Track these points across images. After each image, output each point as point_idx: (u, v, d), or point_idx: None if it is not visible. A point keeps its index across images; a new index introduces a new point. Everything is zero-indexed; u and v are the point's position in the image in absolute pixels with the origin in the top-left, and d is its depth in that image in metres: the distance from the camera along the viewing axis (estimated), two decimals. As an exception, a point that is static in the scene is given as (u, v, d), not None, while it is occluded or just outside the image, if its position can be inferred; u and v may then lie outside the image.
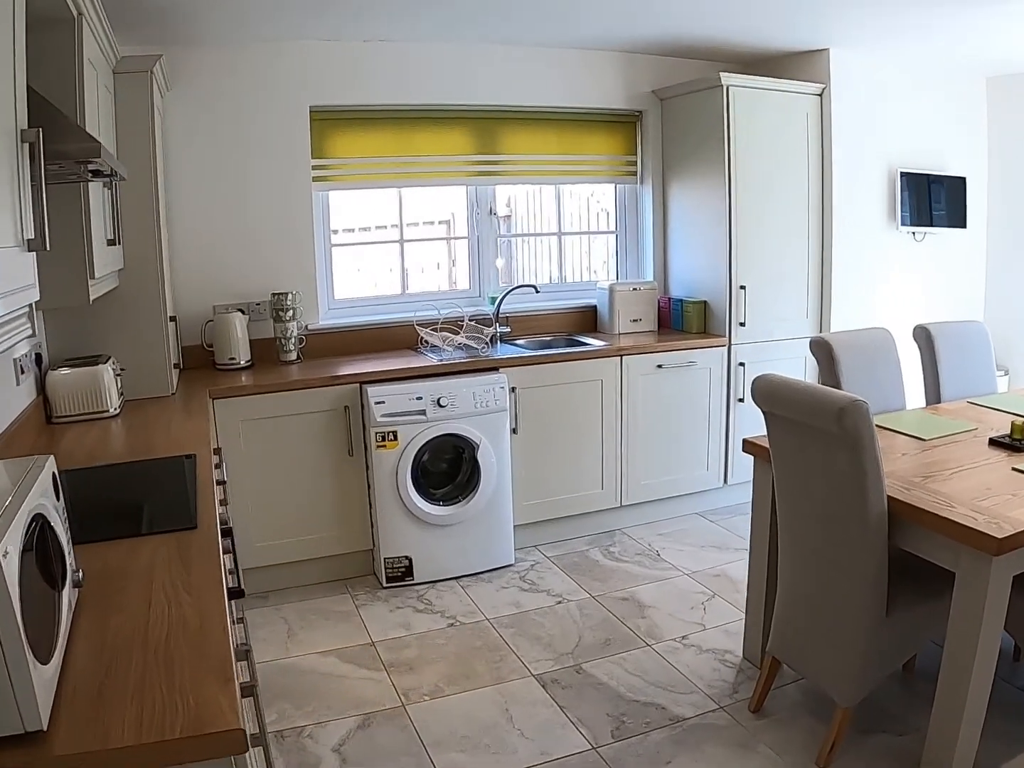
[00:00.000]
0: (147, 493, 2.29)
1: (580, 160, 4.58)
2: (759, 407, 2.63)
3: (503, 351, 4.17)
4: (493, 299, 4.41)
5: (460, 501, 3.79)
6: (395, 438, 3.65)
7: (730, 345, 4.34)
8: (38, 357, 2.96)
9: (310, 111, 4.01)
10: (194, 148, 3.85)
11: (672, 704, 2.83)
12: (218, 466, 2.91)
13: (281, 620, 3.49)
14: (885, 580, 2.36)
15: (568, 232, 4.84)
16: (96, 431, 2.86)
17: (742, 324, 4.33)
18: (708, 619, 3.38)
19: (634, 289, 4.50)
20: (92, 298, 2.45)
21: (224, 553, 2.18)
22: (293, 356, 3.99)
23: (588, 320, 4.66)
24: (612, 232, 4.86)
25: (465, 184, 4.44)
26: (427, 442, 3.69)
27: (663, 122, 4.67)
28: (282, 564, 3.69)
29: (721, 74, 4.14)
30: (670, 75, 4.58)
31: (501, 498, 3.87)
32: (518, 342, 4.39)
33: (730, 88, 4.17)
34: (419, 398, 3.66)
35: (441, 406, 3.68)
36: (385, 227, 4.45)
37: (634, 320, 4.50)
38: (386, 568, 3.74)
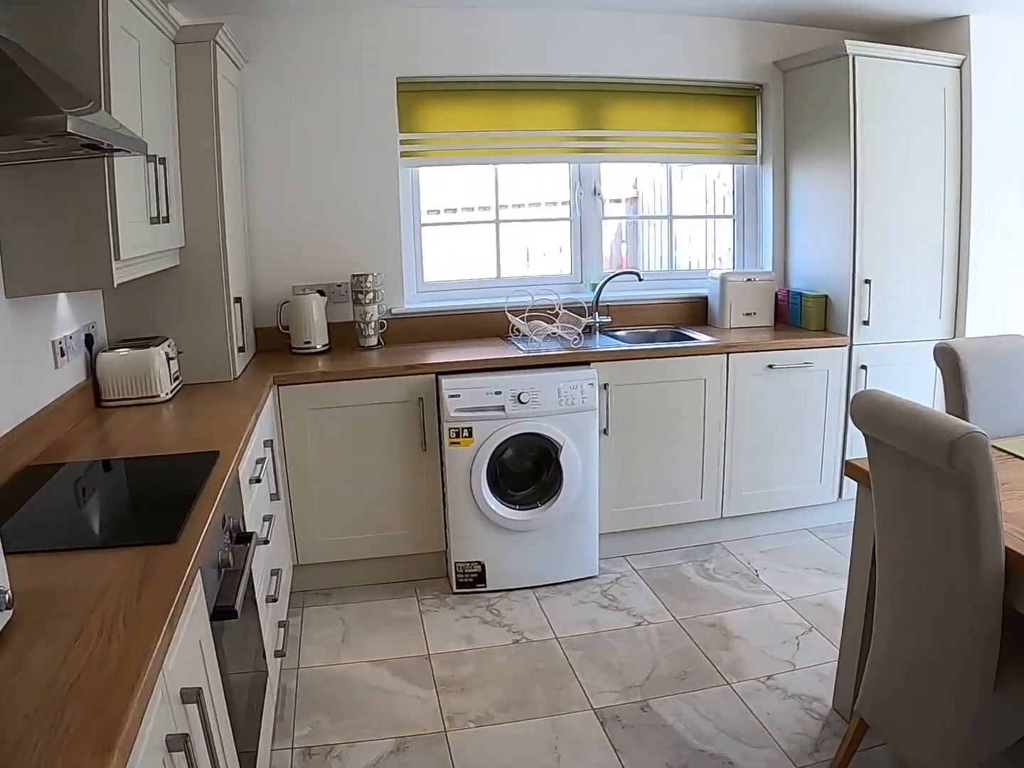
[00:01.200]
0: (144, 496, 2.13)
1: (693, 137, 4.14)
2: (859, 429, 2.22)
3: (602, 343, 3.83)
4: (595, 286, 4.09)
5: (539, 506, 3.50)
6: (470, 435, 3.39)
7: (851, 345, 3.83)
8: (88, 338, 2.89)
9: (397, 82, 3.77)
10: (275, 123, 3.70)
11: (742, 759, 2.44)
12: (261, 460, 2.78)
13: (339, 621, 3.32)
14: (996, 648, 1.91)
15: (679, 216, 4.42)
16: (138, 418, 2.74)
17: (866, 323, 3.81)
18: (800, 657, 2.95)
19: (748, 280, 4.03)
20: (118, 281, 2.30)
21: (221, 568, 2.02)
22: (373, 341, 3.79)
23: (699, 312, 4.23)
24: (729, 217, 4.40)
25: (567, 161, 4.10)
26: (505, 440, 3.41)
27: (785, 96, 4.15)
28: (348, 561, 3.52)
29: (846, 42, 3.62)
30: (794, 45, 4.07)
31: (586, 504, 3.54)
32: (618, 334, 4.02)
33: (856, 58, 3.64)
34: (498, 392, 3.39)
35: (522, 402, 3.39)
36: (486, 208, 4.17)
37: (747, 314, 4.04)
38: (457, 573, 3.50)
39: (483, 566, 3.49)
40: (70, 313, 2.77)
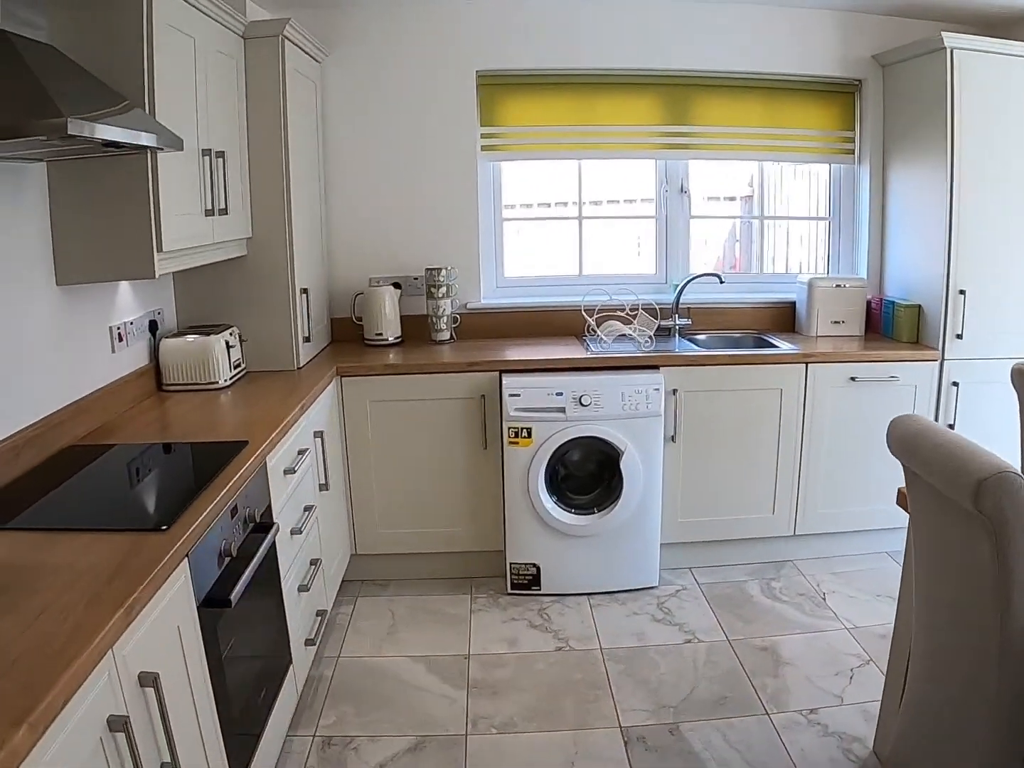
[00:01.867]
0: (155, 482, 2.23)
1: (787, 134, 3.95)
2: (895, 457, 2.08)
3: (679, 346, 3.74)
4: (676, 287, 3.99)
5: (595, 512, 3.46)
6: (529, 435, 3.38)
7: (943, 360, 3.56)
8: (152, 324, 3.06)
9: (477, 76, 3.80)
10: (354, 116, 3.80)
11: (762, 798, 2.37)
12: (303, 451, 2.87)
13: (389, 613, 3.39)
14: (1026, 717, 1.73)
15: (771, 216, 4.25)
16: (190, 404, 2.89)
17: (959, 336, 3.53)
18: (850, 692, 2.78)
19: (837, 286, 3.81)
20: (160, 272, 2.41)
21: (224, 556, 2.11)
22: (445, 336, 3.84)
23: (786, 318, 4.04)
24: (825, 219, 4.18)
25: (652, 158, 4.00)
26: (565, 443, 3.38)
27: (885, 92, 3.90)
28: (407, 554, 3.59)
29: (943, 35, 3.35)
30: (894, 38, 3.80)
31: (647, 513, 3.46)
32: (698, 338, 3.91)
33: (954, 52, 3.37)
34: (559, 394, 3.35)
35: (583, 405, 3.35)
36: (566, 204, 4.16)
37: (836, 322, 3.83)
38: (511, 574, 3.50)
39: (538, 568, 3.48)
40: (133, 300, 2.94)
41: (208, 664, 1.92)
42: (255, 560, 2.19)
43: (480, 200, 3.93)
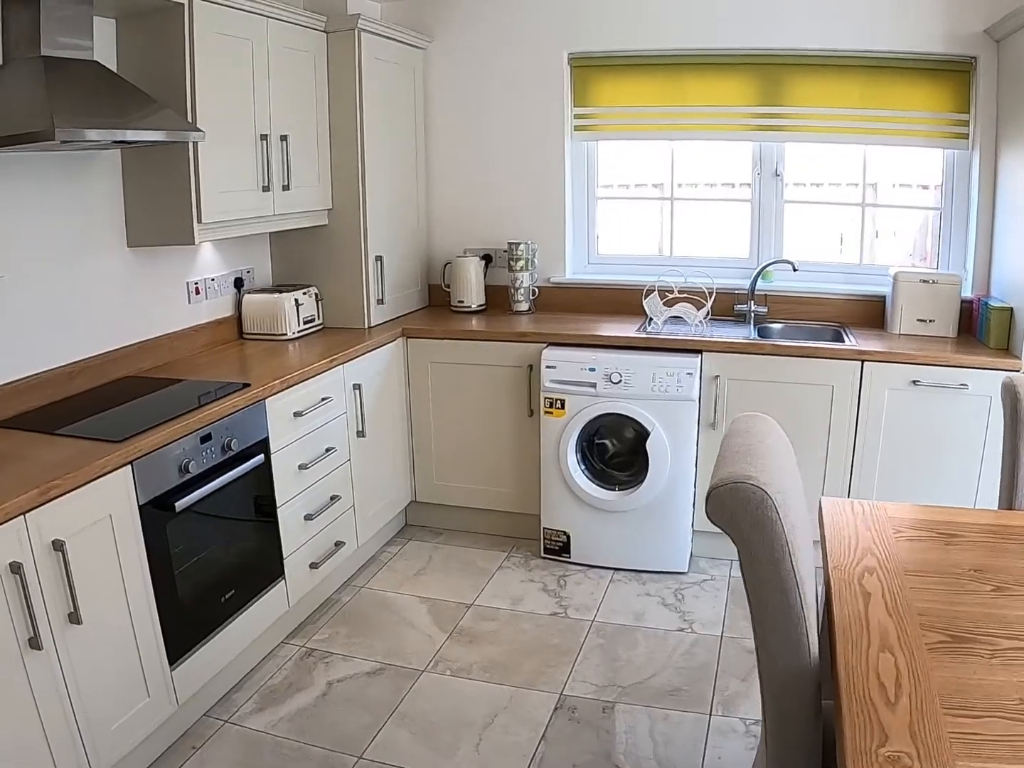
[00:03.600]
0: (147, 408, 2.87)
1: (892, 116, 3.84)
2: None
3: (751, 334, 3.90)
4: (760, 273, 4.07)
5: (618, 488, 3.76)
6: (562, 407, 3.73)
7: None
8: (238, 281, 3.81)
9: (569, 58, 4.14)
10: (454, 98, 4.32)
11: (647, 790, 2.56)
12: (326, 399, 3.46)
13: (427, 558, 3.94)
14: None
15: (872, 204, 4.14)
16: (253, 350, 3.59)
17: (1044, 344, 3.28)
18: (801, 707, 2.90)
19: (924, 281, 3.69)
20: (199, 240, 3.10)
21: (183, 472, 2.75)
22: (524, 307, 4.27)
23: (876, 313, 3.96)
24: (936, 208, 4.01)
25: (746, 139, 4.10)
26: (595, 418, 3.70)
27: (999, 70, 3.65)
28: (460, 508, 4.12)
29: None
30: (1009, 8, 3.48)
31: (676, 497, 3.69)
32: (773, 326, 4.00)
33: None
34: (592, 369, 3.67)
35: (613, 382, 3.64)
36: (672, 185, 4.38)
37: (923, 320, 3.70)
38: (544, 539, 3.90)
39: (568, 536, 3.85)
40: (219, 259, 3.71)
41: (148, 552, 2.57)
42: (218, 481, 2.83)
43: (571, 178, 4.30)
